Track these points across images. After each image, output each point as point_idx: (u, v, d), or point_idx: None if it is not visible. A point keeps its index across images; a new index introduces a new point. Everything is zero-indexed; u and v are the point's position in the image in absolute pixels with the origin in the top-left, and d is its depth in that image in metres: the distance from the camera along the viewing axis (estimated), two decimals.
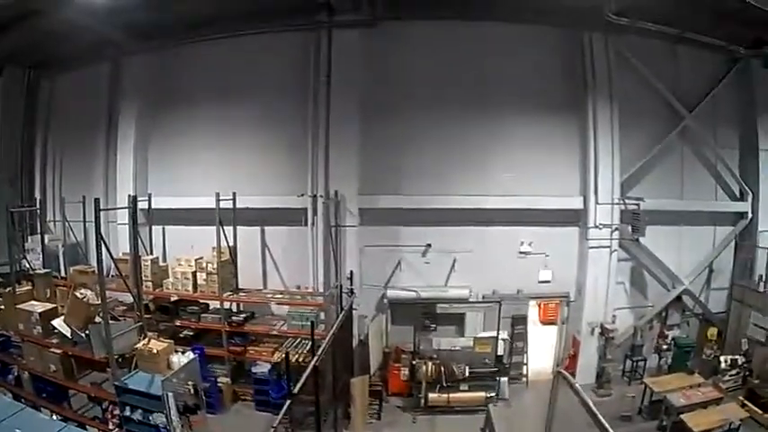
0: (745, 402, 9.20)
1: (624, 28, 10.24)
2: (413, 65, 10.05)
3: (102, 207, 7.14)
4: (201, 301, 10.27)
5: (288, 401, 5.63)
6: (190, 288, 10.13)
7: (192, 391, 7.17)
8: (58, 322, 8.16)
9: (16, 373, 8.73)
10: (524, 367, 10.38)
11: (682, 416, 8.24)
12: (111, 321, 7.60)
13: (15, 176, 13.01)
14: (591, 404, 4.20)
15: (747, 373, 10.09)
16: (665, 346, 11.10)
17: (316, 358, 6.46)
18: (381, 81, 10.03)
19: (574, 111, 10.45)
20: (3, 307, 8.63)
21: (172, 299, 10.49)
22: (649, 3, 9.43)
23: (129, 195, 10.00)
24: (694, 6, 9.59)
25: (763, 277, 11.29)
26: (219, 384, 9.81)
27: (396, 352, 10.14)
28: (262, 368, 9.65)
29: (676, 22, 10.33)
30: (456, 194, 9.97)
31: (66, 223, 12.31)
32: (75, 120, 12.44)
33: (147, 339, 7.70)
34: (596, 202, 10.28)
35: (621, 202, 10.42)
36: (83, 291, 8.29)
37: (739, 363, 10.30)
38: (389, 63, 10.06)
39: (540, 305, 11.77)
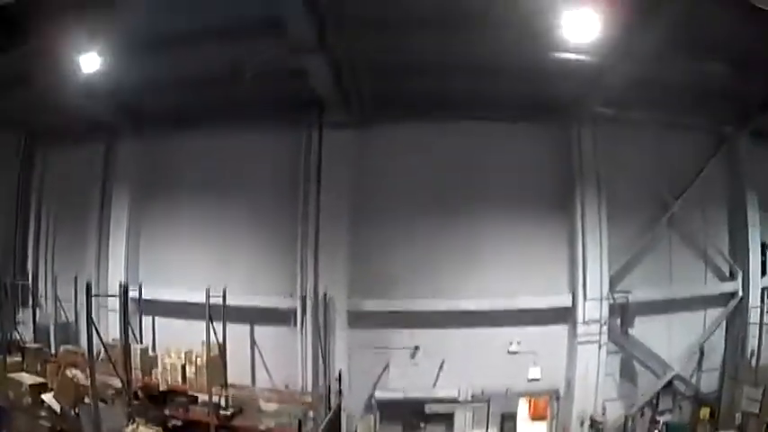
0: None
1: (611, 119, 10.48)
2: (402, 165, 10.22)
3: (93, 292, 7.28)
4: (190, 393, 10.37)
5: None
6: (179, 379, 10.22)
7: None
8: (48, 397, 8.45)
9: None
10: None
11: None
12: (100, 404, 7.71)
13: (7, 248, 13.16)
14: None
15: None
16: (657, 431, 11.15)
17: None
18: (371, 181, 10.20)
19: (561, 205, 10.60)
20: None
21: (161, 388, 10.59)
22: (635, 92, 9.48)
23: (120, 284, 10.21)
24: (680, 90, 9.73)
25: (755, 352, 11.44)
26: None
27: None
28: None
29: (662, 107, 10.50)
30: (444, 297, 10.08)
31: (58, 302, 12.30)
32: (68, 195, 12.57)
33: (135, 425, 7.80)
34: (585, 298, 10.36)
35: (610, 296, 10.50)
36: (73, 370, 8.53)
37: None
38: (379, 163, 10.24)
39: (530, 401, 11.85)
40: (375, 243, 10.16)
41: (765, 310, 11.63)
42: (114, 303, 10.61)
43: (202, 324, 9.78)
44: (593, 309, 10.38)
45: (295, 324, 10.23)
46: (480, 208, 10.29)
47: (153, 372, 10.39)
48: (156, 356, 10.60)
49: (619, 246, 10.72)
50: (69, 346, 11.17)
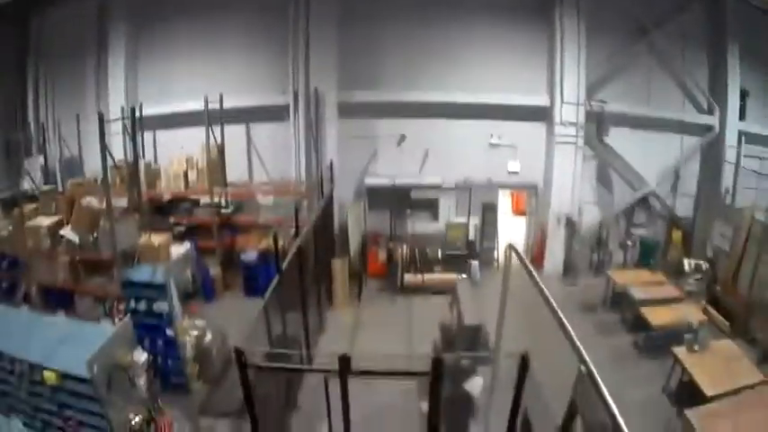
0: (707, 307, 9.45)
1: None
2: None
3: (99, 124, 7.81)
4: (192, 197, 11.23)
5: (276, 279, 6.10)
6: (182, 186, 11.09)
7: (190, 278, 7.91)
8: (65, 231, 8.91)
9: (24, 291, 9.29)
10: (495, 252, 11.25)
11: (642, 308, 8.52)
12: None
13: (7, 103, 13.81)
14: (537, 277, 4.38)
15: (711, 279, 10.44)
16: (629, 243, 11.90)
17: (299, 238, 7.24)
18: None
19: (542, 16, 11.17)
20: (11, 228, 9.24)
21: (165, 198, 11.39)
22: None
23: (123, 108, 11.02)
24: None
25: (729, 190, 12.12)
26: (212, 275, 10.71)
27: (374, 237, 11.04)
28: (250, 256, 10.55)
29: None
30: (428, 89, 10.80)
31: (62, 141, 13.12)
32: (66, 46, 13.02)
33: (147, 236, 8.62)
34: (562, 101, 11.05)
35: (587, 102, 11.18)
36: (87, 198, 9.27)
37: (703, 268, 10.67)
38: None
39: (513, 195, 12.48)
40: (363, 40, 10.82)
41: (742, 152, 12.45)
42: (117, 127, 11.49)
43: (202, 130, 10.64)
44: (569, 111, 11.07)
45: (288, 119, 10.97)
46: (465, 10, 10.90)
47: (157, 184, 11.31)
48: (159, 169, 11.50)
49: (597, 59, 11.32)
50: (76, 179, 12.06)
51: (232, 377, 6.70)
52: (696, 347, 6.97)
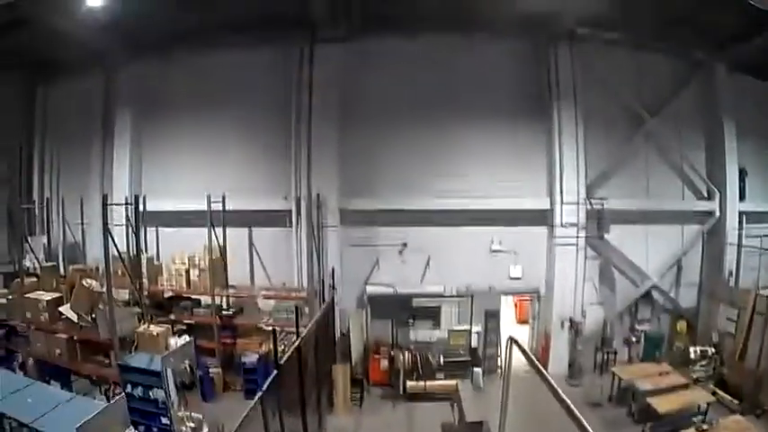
0: (716, 390, 9.57)
1: (587, 37, 11.32)
2: (388, 75, 11.14)
3: (102, 206, 8.17)
4: (194, 297, 11.28)
5: (273, 374, 6.07)
6: (183, 284, 11.16)
7: (189, 369, 7.91)
8: (65, 308, 9.23)
9: (21, 360, 9.60)
10: (498, 359, 11.22)
11: (648, 399, 8.49)
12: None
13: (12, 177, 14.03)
14: (542, 368, 4.45)
15: (718, 363, 10.53)
16: (634, 339, 11.86)
17: (299, 339, 7.28)
18: (359, 91, 11.13)
19: (539, 117, 11.43)
20: (11, 297, 9.50)
21: (166, 295, 11.51)
22: (611, 12, 10.36)
23: (127, 198, 11.18)
24: (653, 14, 10.51)
25: (733, 273, 12.14)
26: (211, 374, 10.71)
27: (375, 345, 11.03)
28: (251, 358, 10.55)
29: (638, 30, 11.31)
30: (429, 196, 11.00)
31: (65, 224, 13.29)
32: (71, 125, 13.41)
33: (147, 324, 8.69)
34: (562, 202, 11.20)
35: (587, 202, 11.33)
36: (88, 280, 9.40)
37: (709, 354, 10.77)
38: (366, 74, 11.16)
39: (516, 304, 12.60)
40: (363, 147, 11.09)
41: (743, 233, 12.52)
42: (120, 218, 11.61)
43: (203, 231, 10.80)
44: (570, 212, 11.22)
45: (290, 225, 11.12)
46: (462, 115, 11.17)
47: (158, 279, 11.41)
48: (161, 265, 11.63)
49: (595, 157, 11.53)
50: (78, 265, 12.18)
51: None
52: (705, 426, 6.98)
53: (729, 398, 9.21)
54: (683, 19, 10.67)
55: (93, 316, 8.72)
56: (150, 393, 6.89)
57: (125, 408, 6.04)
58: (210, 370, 10.71)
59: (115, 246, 8.82)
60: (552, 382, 4.11)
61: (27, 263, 12.07)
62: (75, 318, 8.95)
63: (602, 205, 11.42)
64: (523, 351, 5.01)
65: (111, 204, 10.78)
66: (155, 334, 8.53)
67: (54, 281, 10.75)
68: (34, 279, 10.88)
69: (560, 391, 3.93)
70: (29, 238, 13.07)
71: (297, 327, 7.83)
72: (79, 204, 12.61)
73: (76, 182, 13.26)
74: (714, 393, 9.25)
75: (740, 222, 12.38)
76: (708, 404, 8.35)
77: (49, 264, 12.41)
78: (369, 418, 9.87)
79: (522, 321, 12.94)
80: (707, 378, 10.29)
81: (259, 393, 5.51)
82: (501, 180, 11.20)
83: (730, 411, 8.81)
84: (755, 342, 9.60)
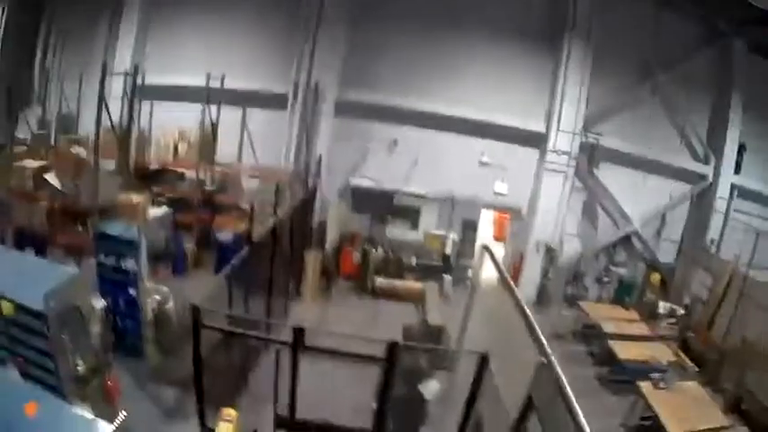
0: (678, 351, 9.38)
1: None
2: None
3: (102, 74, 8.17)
4: (179, 170, 11.37)
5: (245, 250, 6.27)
6: (170, 157, 11.24)
7: (163, 242, 8.01)
8: (49, 176, 9.19)
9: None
10: (469, 270, 11.32)
11: (610, 342, 8.50)
12: None
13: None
14: (510, 280, 4.59)
15: (685, 325, 10.50)
16: (606, 279, 12.02)
17: (275, 218, 7.36)
18: None
19: (550, 41, 11.39)
20: None
21: (152, 167, 11.54)
22: None
23: (126, 72, 11.20)
24: None
25: (715, 241, 12.24)
26: (185, 250, 10.83)
27: (351, 237, 11.17)
28: (226, 236, 10.61)
29: None
30: (427, 98, 11.03)
31: (63, 96, 13.13)
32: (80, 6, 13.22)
33: (127, 194, 8.76)
34: (558, 129, 11.24)
35: (582, 133, 11.38)
36: (76, 147, 9.42)
37: (678, 313, 10.81)
38: None
39: (496, 221, 12.57)
40: (369, 43, 11.10)
41: (732, 206, 12.61)
42: (117, 90, 11.63)
43: (198, 107, 10.85)
44: (564, 140, 11.26)
45: (285, 109, 11.15)
46: (474, 26, 11.16)
47: (146, 152, 11.48)
48: (150, 137, 11.67)
49: (599, 94, 11.53)
50: (69, 135, 12.21)
51: (188, 349, 6.98)
52: (662, 385, 7.03)
53: (690, 363, 9.04)
54: None
55: (77, 183, 8.79)
56: (122, 263, 6.74)
57: (93, 274, 6.05)
58: (185, 245, 10.82)
59: (108, 115, 8.84)
60: (516, 292, 4.28)
61: (21, 133, 11.98)
62: (58, 184, 8.93)
63: (597, 140, 11.48)
64: (495, 261, 5.06)
65: (112, 74, 10.88)
66: (134, 202, 8.59)
67: (44, 150, 10.73)
68: (24, 148, 10.92)
69: (523, 302, 4.05)
70: (25, 111, 13.13)
71: (275, 206, 7.97)
72: (78, 79, 12.45)
73: (80, 57, 12.99)
74: (676, 354, 9.07)
75: (731, 194, 12.47)
76: (668, 363, 8.16)
77: (40, 132, 12.45)
78: (334, 309, 9.96)
79: (499, 239, 12.97)
80: (671, 338, 10.10)
81: (227, 268, 5.73)
82: (501, 95, 11.22)
83: (688, 376, 8.49)
84: (725, 315, 9.67)
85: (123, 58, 12.25)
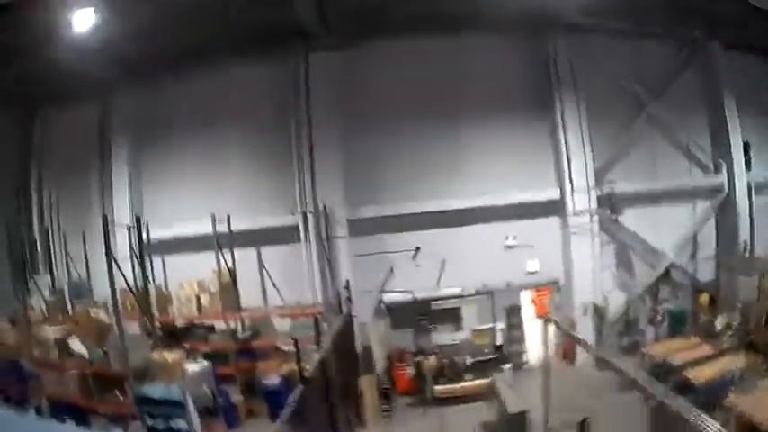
0: (748, 355, 9.26)
1: (585, 27, 11.37)
2: (387, 81, 11.16)
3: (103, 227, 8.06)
4: (207, 323, 11.14)
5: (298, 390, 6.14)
6: (194, 310, 11.01)
7: (210, 394, 7.75)
8: (74, 343, 8.99)
9: (35, 405, 9.18)
10: (524, 355, 11.18)
11: (684, 372, 8.43)
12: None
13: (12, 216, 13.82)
14: (578, 336, 4.38)
15: (745, 330, 10.37)
16: (659, 317, 11.85)
17: (321, 350, 7.15)
18: (358, 98, 11.14)
19: (542, 108, 11.50)
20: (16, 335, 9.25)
21: (178, 323, 11.29)
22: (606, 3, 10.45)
23: (129, 227, 11.06)
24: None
25: (747, 243, 12.24)
26: (233, 402, 10.52)
27: (399, 353, 10.94)
28: (273, 380, 10.34)
29: (635, 17, 11.42)
30: (438, 198, 10.98)
31: (69, 259, 12.88)
32: (68, 158, 13.09)
33: (160, 353, 8.52)
34: (572, 190, 11.25)
35: (597, 188, 11.38)
36: (95, 310, 9.22)
37: (734, 324, 10.69)
38: (365, 81, 11.17)
39: (534, 300, 12.57)
40: (367, 154, 11.06)
41: (753, 203, 12.63)
42: (124, 248, 11.44)
43: (211, 255, 10.68)
44: (581, 199, 11.27)
45: (299, 240, 11.03)
46: (465, 114, 11.23)
47: (168, 309, 11.25)
48: (170, 294, 11.45)
49: (601, 143, 11.63)
50: (85, 299, 11.92)
51: None
52: (744, 389, 6.98)
53: (761, 360, 8.92)
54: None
55: (105, 349, 8.57)
56: (172, 424, 6.64)
57: None
58: (232, 397, 10.53)
59: (121, 272, 8.64)
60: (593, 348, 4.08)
61: (33, 302, 11.87)
62: (85, 352, 8.76)
63: (612, 188, 11.47)
64: (559, 327, 4.86)
65: (112, 226, 10.63)
66: (169, 360, 8.35)
67: (61, 316, 10.60)
68: (40, 316, 10.72)
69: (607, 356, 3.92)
70: (35, 278, 12.92)
71: (317, 338, 7.76)
72: (81, 239, 12.29)
73: (77, 217, 12.91)
74: (747, 358, 8.99)
75: (749, 193, 12.48)
76: (741, 369, 8.20)
77: (55, 298, 12.24)
78: (401, 428, 9.74)
79: (542, 314, 12.91)
80: (736, 348, 10.00)
81: (284, 412, 5.55)
82: (509, 175, 11.22)
83: (765, 374, 8.51)
84: None
85: (122, 211, 12.11)
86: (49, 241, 13.36)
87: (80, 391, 8.54)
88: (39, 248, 13.48)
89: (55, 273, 13.26)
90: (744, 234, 12.33)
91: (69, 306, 12.15)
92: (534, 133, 11.49)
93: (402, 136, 11.13)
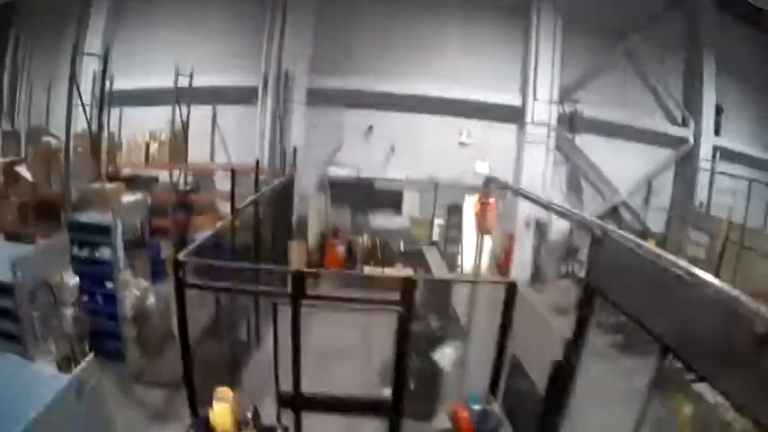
0: None
1: None
2: None
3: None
4: (153, 173, 11.30)
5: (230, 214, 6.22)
6: (142, 159, 11.17)
7: (139, 227, 7.82)
8: (21, 168, 9.18)
9: None
10: (458, 257, 11.43)
11: None
12: None
13: None
14: None
15: None
16: None
17: (256, 195, 7.35)
18: None
19: (518, 13, 11.63)
20: None
21: (124, 172, 11.41)
22: None
23: (94, 72, 11.08)
24: None
25: (704, 202, 12.60)
26: (163, 256, 10.72)
27: (334, 230, 11.19)
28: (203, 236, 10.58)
29: None
30: (399, 81, 11.14)
31: (31, 106, 12.96)
32: (48, 16, 12.96)
33: (100, 183, 8.66)
34: (534, 99, 11.46)
35: (559, 102, 11.61)
36: (47, 138, 9.34)
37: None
38: None
39: (477, 215, 12.68)
40: (338, 28, 11.23)
41: (716, 168, 13.01)
42: (86, 97, 11.49)
43: (168, 110, 10.83)
44: (541, 110, 11.48)
45: (256, 103, 11.17)
46: (441, 4, 11.37)
47: (117, 156, 11.38)
48: (122, 143, 11.60)
49: (572, 61, 11.77)
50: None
51: (172, 351, 6.62)
52: None
53: None
54: None
55: (50, 173, 8.75)
56: (97, 253, 6.44)
57: (66, 247, 5.71)
58: (162, 251, 10.73)
59: (80, 95, 8.73)
60: None
61: None
62: (30, 176, 8.87)
63: (575, 107, 11.73)
64: None
65: (82, 54, 10.58)
66: (107, 189, 8.44)
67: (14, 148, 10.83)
68: None
69: None
70: None
71: (255, 185, 7.93)
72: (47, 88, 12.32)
73: (46, 66, 12.72)
74: None
75: (713, 156, 12.84)
76: None
77: (10, 129, 12.31)
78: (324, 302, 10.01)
79: (484, 232, 13.11)
80: None
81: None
82: (474, 72, 11.40)
83: None
84: (727, 271, 9.67)
85: (91, 61, 12.07)
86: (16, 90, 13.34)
87: (18, 219, 8.68)
88: (4, 96, 13.51)
89: (15, 118, 13.24)
90: (701, 195, 12.70)
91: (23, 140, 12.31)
92: (507, 35, 11.65)
93: (376, 13, 11.27)
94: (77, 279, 5.29)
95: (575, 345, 3.58)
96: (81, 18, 12.45)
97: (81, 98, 8.96)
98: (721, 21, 12.79)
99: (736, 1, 12.38)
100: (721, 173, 12.83)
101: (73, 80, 8.62)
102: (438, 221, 11.09)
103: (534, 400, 3.99)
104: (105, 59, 10.08)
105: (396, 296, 4.08)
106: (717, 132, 13.14)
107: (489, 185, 7.91)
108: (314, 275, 9.54)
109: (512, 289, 4.35)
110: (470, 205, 11.92)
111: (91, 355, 3.81)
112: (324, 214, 11.13)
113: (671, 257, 2.76)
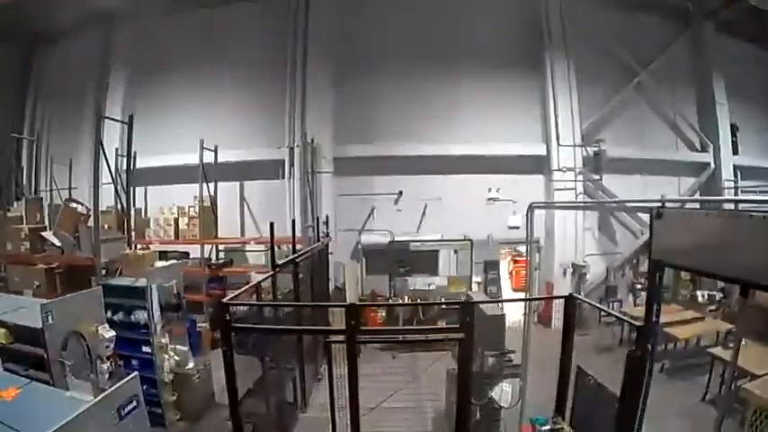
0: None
1: None
2: (384, 25, 11.70)
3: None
4: (182, 248, 11.34)
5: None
6: (171, 234, 11.26)
7: (175, 291, 7.77)
8: (47, 233, 9.16)
9: None
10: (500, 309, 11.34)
11: (666, 329, 8.57)
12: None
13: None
14: None
15: (728, 305, 10.63)
16: (639, 286, 12.13)
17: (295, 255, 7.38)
18: (355, 39, 11.65)
19: (533, 68, 12.01)
20: None
21: (153, 248, 11.49)
22: None
23: (117, 149, 11.32)
24: None
25: None
26: (198, 329, 10.62)
27: (372, 296, 11.12)
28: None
29: None
30: (425, 143, 11.39)
31: (54, 183, 13.12)
32: (65, 90, 13.63)
33: (133, 250, 8.69)
34: (558, 146, 11.68)
35: (582, 145, 11.83)
36: (73, 203, 9.40)
37: (717, 298, 11.06)
38: (362, 23, 11.71)
39: (511, 273, 12.75)
40: (358, 95, 11.54)
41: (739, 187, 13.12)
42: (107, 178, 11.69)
43: (195, 188, 10.99)
44: (566, 157, 11.69)
45: (283, 176, 11.38)
46: (457, 63, 11.72)
47: (146, 233, 11.48)
48: (149, 219, 11.71)
49: (590, 106, 12.09)
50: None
51: (212, 415, 6.65)
52: (731, 345, 7.05)
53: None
54: None
55: (77, 235, 8.63)
56: (132, 316, 6.48)
57: (100, 298, 5.52)
58: (198, 325, 10.67)
59: (105, 155, 8.74)
60: None
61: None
62: (57, 242, 8.78)
63: (600, 147, 11.89)
64: None
65: (106, 117, 10.65)
66: (140, 254, 8.38)
67: (38, 214, 10.70)
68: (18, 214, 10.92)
69: None
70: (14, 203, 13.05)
71: (293, 250, 7.94)
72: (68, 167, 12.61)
73: (68, 144, 13.29)
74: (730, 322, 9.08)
75: (735, 175, 13.10)
76: (727, 330, 8.40)
77: (35, 196, 12.47)
78: (368, 366, 9.81)
79: (518, 290, 13.11)
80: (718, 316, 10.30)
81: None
82: (496, 127, 11.67)
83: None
84: None
85: (112, 142, 12.30)
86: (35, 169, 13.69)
87: (45, 286, 8.58)
88: (24, 178, 13.69)
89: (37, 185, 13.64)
90: None
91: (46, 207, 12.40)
92: (525, 88, 11.93)
93: (394, 79, 11.59)
94: (113, 333, 5.11)
95: (646, 331, 3.54)
96: (100, 97, 12.87)
97: (107, 161, 9.03)
98: (725, 43, 13.28)
99: (737, 22, 12.97)
100: (744, 190, 13.03)
101: (98, 141, 8.46)
102: (476, 278, 11.08)
103: (607, 402, 3.94)
104: (130, 125, 10.16)
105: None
106: (735, 152, 13.36)
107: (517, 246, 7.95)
108: (369, 307, 9.74)
109: (571, 302, 4.32)
110: (505, 265, 12.11)
111: (135, 374, 3.72)
112: (360, 280, 11.13)
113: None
